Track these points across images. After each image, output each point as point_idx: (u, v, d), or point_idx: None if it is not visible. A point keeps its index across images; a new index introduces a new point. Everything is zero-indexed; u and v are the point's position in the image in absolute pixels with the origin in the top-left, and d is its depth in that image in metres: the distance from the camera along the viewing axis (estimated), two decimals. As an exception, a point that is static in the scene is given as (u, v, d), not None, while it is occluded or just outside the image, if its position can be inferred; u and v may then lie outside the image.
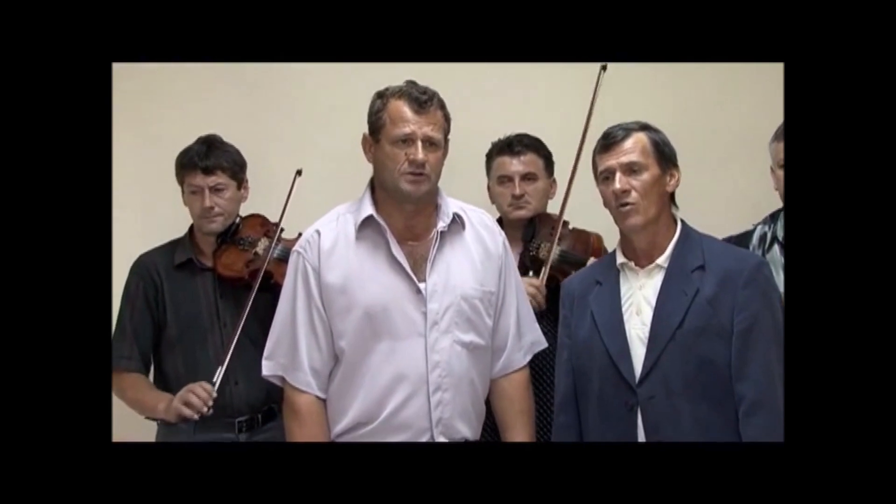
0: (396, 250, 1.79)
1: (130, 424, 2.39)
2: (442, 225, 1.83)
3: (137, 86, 2.78)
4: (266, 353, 1.84)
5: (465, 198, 1.99)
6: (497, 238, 1.92)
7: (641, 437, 1.69)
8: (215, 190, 2.13)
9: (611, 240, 2.01)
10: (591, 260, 2.10)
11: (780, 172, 1.99)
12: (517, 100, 2.72)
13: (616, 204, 1.74)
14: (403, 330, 1.77)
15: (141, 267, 2.18)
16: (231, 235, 2.17)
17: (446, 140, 1.84)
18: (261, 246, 2.14)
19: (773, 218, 2.10)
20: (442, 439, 1.77)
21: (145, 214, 2.79)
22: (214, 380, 1.99)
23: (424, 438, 1.77)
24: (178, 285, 2.15)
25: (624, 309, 1.75)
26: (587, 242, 2.21)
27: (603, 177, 1.77)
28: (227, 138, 2.37)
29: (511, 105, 2.68)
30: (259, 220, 2.22)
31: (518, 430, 1.88)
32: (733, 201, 2.49)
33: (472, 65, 2.61)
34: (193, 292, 2.15)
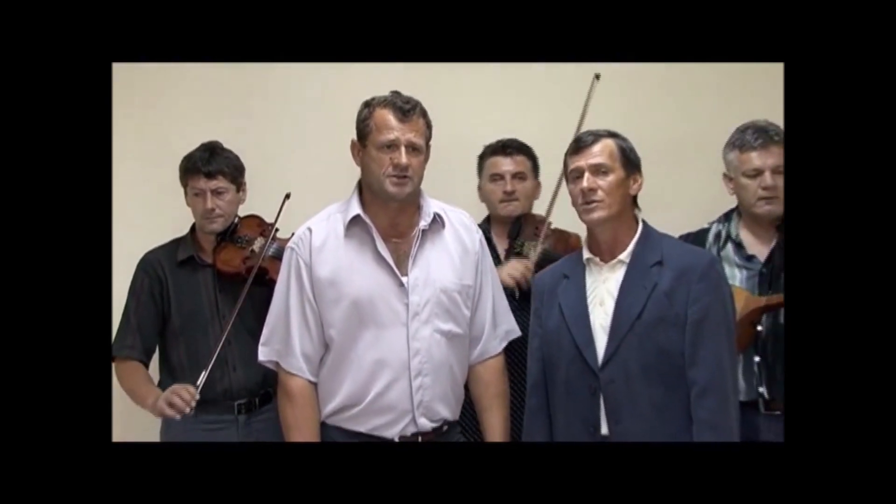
0: (381, 247, 1.93)
1: (130, 424, 2.39)
2: (423, 224, 1.97)
3: (137, 86, 2.78)
4: (262, 340, 1.99)
5: (458, 195, 2.10)
6: (474, 236, 2.06)
7: (603, 419, 1.83)
8: (216, 193, 2.28)
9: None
10: None
11: (743, 180, 2.13)
12: (508, 106, 2.83)
13: (582, 200, 1.89)
14: (387, 320, 1.92)
15: (147, 263, 2.32)
16: (230, 234, 2.32)
17: (428, 146, 1.98)
18: (257, 244, 2.30)
19: (727, 217, 2.24)
20: (423, 420, 1.92)
21: (145, 214, 2.79)
22: (198, 382, 2.09)
23: (406, 420, 1.92)
24: (181, 280, 2.30)
25: (589, 301, 1.91)
26: (567, 242, 2.38)
27: (573, 176, 1.92)
28: (225, 138, 2.40)
29: (502, 110, 2.80)
30: (256, 221, 2.36)
31: (494, 411, 2.04)
32: (698, 201, 2.60)
33: (465, 71, 2.72)
34: (195, 287, 2.30)
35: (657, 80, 2.82)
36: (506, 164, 2.42)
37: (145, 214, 2.79)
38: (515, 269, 2.26)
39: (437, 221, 2.00)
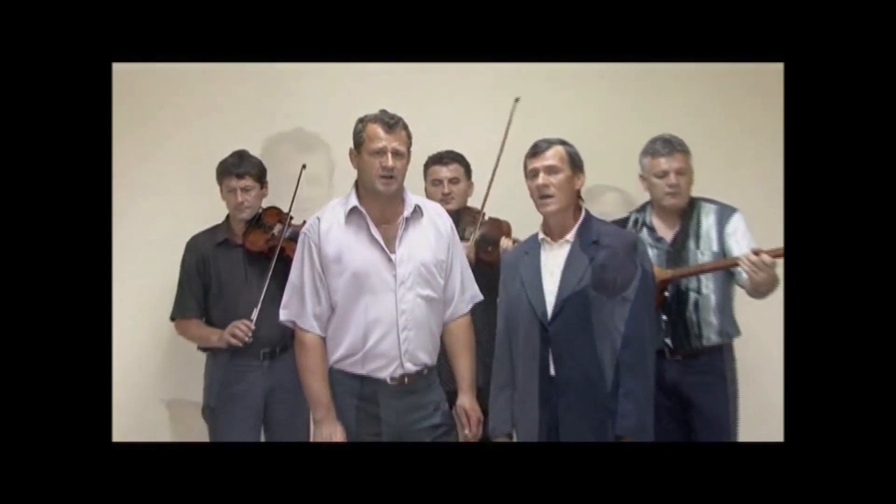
0: (374, 231, 2.43)
1: (131, 424, 2.38)
2: (406, 213, 2.48)
3: (138, 86, 2.78)
4: (282, 305, 2.49)
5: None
6: (446, 223, 2.60)
7: (552, 362, 2.32)
8: (245, 190, 2.85)
9: (521, 227, 2.74)
10: (503, 239, 2.84)
11: (654, 179, 2.66)
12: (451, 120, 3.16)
13: (539, 195, 2.37)
14: (380, 287, 2.42)
15: (193, 245, 2.91)
16: (255, 221, 2.90)
17: (409, 151, 2.48)
18: (276, 229, 2.87)
19: (642, 208, 2.78)
20: (409, 365, 2.44)
21: (145, 214, 2.79)
22: (252, 317, 2.75)
23: (395, 364, 2.42)
24: (220, 257, 2.91)
25: (542, 272, 2.42)
26: (500, 228, 2.96)
27: (531, 174, 2.39)
28: (228, 138, 2.44)
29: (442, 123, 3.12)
30: (275, 211, 2.92)
31: (462, 358, 2.59)
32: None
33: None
34: (230, 262, 2.90)
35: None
36: (443, 172, 2.95)
37: (145, 214, 2.79)
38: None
39: (417, 211, 2.50)
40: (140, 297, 2.95)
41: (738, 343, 2.54)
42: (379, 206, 2.42)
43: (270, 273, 2.78)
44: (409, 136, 2.44)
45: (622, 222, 2.75)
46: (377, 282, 2.40)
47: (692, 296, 2.55)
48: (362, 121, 2.42)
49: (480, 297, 2.63)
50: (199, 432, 2.74)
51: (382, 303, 2.40)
